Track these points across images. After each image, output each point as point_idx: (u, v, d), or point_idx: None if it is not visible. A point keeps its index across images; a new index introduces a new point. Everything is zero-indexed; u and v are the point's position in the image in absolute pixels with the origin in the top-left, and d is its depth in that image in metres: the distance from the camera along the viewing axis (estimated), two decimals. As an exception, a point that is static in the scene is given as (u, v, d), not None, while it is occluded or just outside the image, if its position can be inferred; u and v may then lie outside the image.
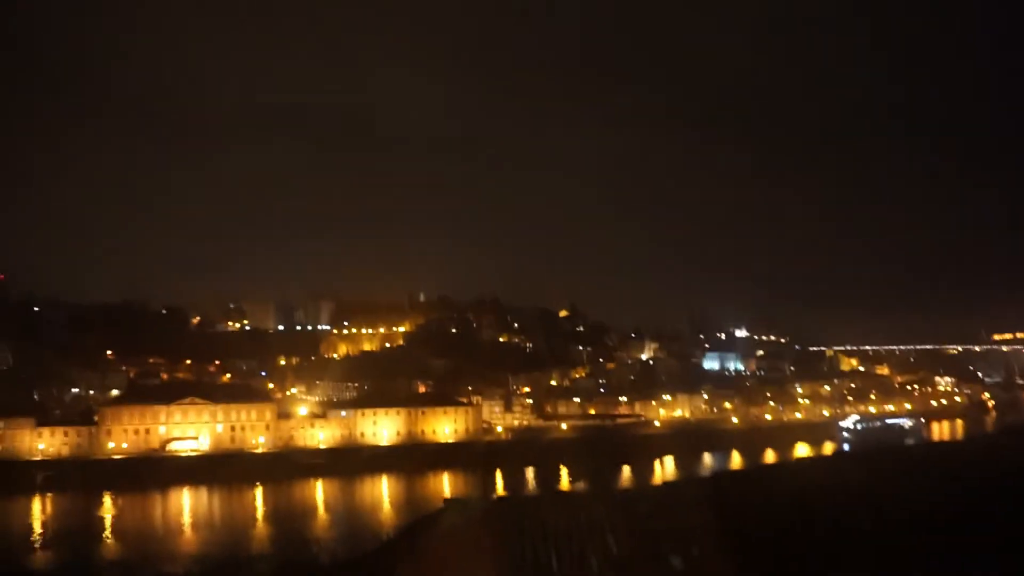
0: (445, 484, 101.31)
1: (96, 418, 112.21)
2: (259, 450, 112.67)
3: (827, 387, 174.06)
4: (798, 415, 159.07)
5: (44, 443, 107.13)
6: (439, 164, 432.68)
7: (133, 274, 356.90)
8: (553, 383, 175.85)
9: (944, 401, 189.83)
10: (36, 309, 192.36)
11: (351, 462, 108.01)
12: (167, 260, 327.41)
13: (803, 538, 28.26)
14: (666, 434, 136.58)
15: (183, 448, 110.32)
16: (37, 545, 69.13)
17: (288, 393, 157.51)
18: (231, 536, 72.73)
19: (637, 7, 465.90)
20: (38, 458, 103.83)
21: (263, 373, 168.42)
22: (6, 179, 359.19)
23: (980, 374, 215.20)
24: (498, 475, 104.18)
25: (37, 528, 76.86)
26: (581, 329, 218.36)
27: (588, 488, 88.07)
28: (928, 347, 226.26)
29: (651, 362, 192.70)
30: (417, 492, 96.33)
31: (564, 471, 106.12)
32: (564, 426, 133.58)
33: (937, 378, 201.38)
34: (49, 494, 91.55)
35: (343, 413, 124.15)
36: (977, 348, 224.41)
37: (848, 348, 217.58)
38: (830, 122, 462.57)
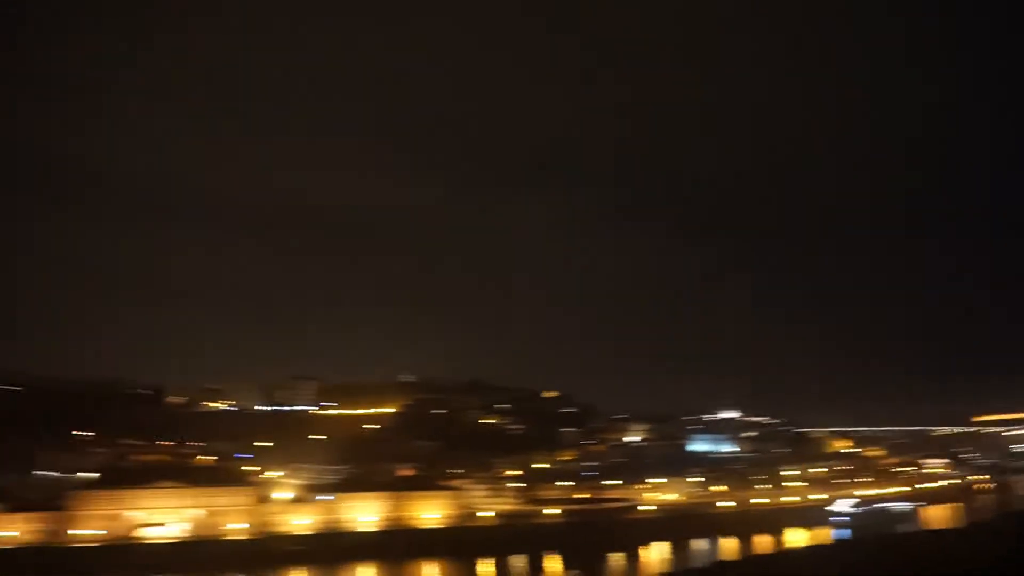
0: (431, 572, 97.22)
1: (65, 503, 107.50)
2: (238, 536, 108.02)
3: (820, 469, 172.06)
4: (791, 498, 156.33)
5: (9, 530, 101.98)
6: (421, 246, 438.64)
7: (108, 352, 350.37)
8: (539, 466, 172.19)
9: (936, 483, 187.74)
10: (10, 389, 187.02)
11: (334, 549, 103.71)
12: (143, 338, 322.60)
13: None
14: (656, 518, 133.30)
15: (155, 534, 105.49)
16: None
17: (269, 475, 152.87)
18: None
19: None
20: (4, 547, 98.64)
21: (244, 455, 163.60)
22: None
23: (967, 456, 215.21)
24: (486, 563, 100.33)
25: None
26: (568, 411, 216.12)
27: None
28: (916, 428, 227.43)
29: (640, 445, 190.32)
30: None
31: (553, 559, 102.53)
32: (553, 511, 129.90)
33: (928, 460, 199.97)
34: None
35: (325, 497, 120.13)
36: (959, 430, 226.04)
37: (841, 430, 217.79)
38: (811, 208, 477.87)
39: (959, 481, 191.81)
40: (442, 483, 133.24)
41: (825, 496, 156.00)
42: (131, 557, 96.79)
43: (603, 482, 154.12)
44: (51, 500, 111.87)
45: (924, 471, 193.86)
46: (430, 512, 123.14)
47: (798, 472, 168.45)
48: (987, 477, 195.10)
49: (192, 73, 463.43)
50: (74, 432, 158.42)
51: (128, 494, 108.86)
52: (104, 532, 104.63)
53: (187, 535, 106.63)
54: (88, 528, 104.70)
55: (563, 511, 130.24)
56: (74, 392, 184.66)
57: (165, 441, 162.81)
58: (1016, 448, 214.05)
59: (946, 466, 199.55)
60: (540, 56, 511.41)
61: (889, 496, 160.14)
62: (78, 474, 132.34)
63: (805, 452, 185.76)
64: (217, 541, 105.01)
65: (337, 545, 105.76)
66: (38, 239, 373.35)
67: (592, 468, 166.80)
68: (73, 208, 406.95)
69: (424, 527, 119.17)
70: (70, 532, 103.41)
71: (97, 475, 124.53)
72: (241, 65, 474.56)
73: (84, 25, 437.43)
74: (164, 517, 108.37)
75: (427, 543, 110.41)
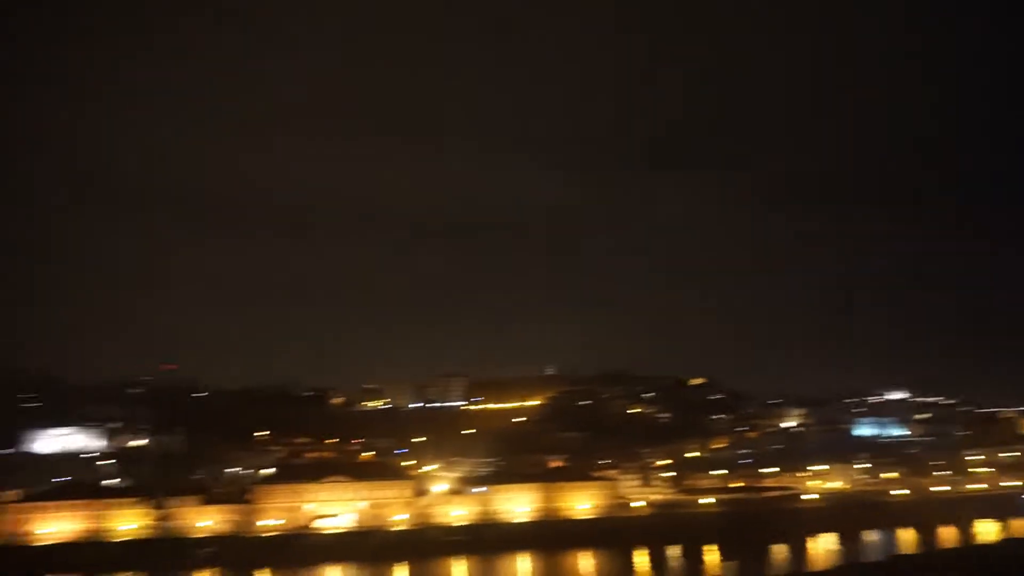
0: (586, 564, 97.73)
1: (250, 497, 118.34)
2: (399, 527, 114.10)
3: (1012, 453, 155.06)
4: (977, 485, 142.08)
5: (206, 520, 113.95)
6: (556, 239, 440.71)
7: (279, 358, 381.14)
8: (690, 455, 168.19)
9: None
10: (200, 395, 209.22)
11: (489, 539, 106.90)
12: (309, 345, 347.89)
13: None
14: (821, 508, 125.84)
15: (328, 525, 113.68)
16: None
17: (424, 470, 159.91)
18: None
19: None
20: (201, 535, 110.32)
21: (401, 450, 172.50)
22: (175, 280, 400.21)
23: None
24: (641, 554, 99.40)
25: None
26: (716, 397, 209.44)
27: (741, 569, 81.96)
28: None
29: (797, 430, 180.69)
30: (557, 571, 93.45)
31: (709, 550, 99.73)
32: (707, 500, 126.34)
33: None
34: (207, 570, 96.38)
35: (479, 490, 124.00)
36: None
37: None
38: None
39: None
40: (592, 473, 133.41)
41: (1019, 483, 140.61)
42: (309, 546, 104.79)
43: (760, 470, 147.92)
44: (238, 494, 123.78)
45: None
46: (581, 502, 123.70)
47: (984, 456, 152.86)
48: None
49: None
50: (253, 432, 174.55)
51: (302, 488, 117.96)
52: (283, 522, 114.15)
53: (355, 526, 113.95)
54: (270, 519, 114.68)
55: (718, 500, 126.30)
56: (250, 396, 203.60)
57: (331, 439, 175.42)
58: None
59: None
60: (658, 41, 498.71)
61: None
62: (259, 471, 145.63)
63: (991, 435, 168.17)
64: (381, 531, 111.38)
65: (492, 535, 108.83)
66: (202, 261, 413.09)
67: (747, 456, 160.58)
68: (235, 227, 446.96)
69: (576, 517, 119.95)
70: (255, 523, 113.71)
71: (274, 471, 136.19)
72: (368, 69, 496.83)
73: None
74: (335, 509, 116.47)
75: (580, 533, 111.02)
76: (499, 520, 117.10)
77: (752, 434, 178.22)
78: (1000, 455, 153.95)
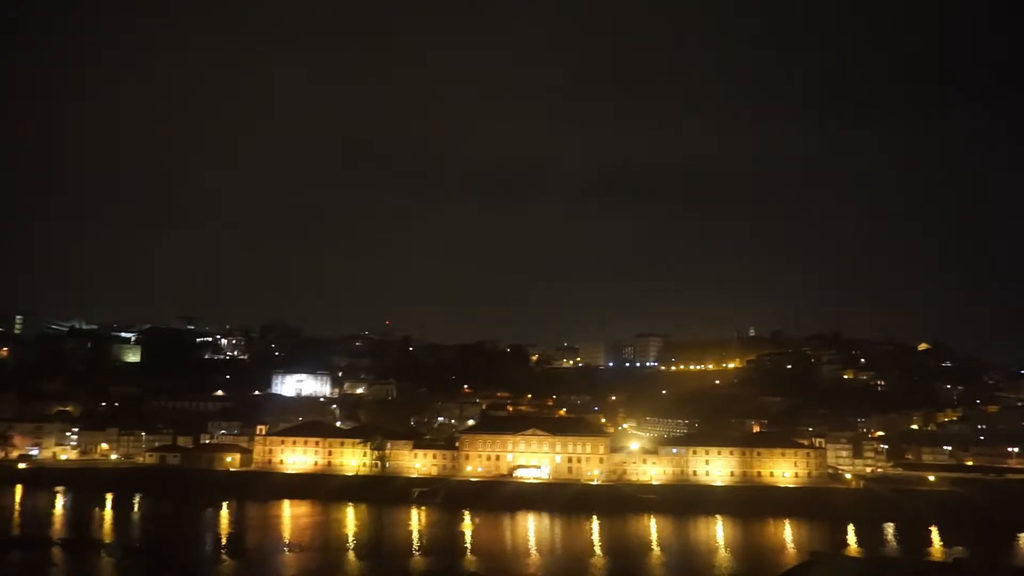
0: (787, 533, 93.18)
1: (457, 444, 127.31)
2: (594, 482, 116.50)
3: None
4: None
5: (418, 463, 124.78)
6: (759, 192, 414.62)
7: (479, 317, 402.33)
8: (914, 427, 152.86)
9: None
10: (411, 349, 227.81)
11: (683, 500, 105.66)
12: (509, 303, 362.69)
13: None
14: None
15: (527, 476, 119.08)
16: (418, 551, 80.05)
17: (619, 428, 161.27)
18: (571, 563, 75.72)
19: None
20: (414, 475, 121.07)
21: (595, 408, 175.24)
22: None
23: None
24: (849, 529, 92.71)
25: (416, 536, 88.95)
26: (948, 365, 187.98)
27: (973, 557, 73.22)
28: None
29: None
30: (756, 539, 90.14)
31: (935, 532, 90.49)
32: (931, 478, 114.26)
33: None
34: (422, 507, 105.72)
35: (674, 450, 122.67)
36: None
37: None
38: None
39: None
40: (798, 440, 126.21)
41: None
42: (509, 493, 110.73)
43: (1001, 447, 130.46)
44: (446, 441, 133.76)
45: None
46: (784, 470, 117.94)
47: None
48: None
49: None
50: (460, 385, 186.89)
51: (504, 439, 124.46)
52: (484, 470, 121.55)
53: (551, 478, 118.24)
54: (473, 466, 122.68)
55: (944, 478, 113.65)
56: (460, 353, 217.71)
57: (530, 395, 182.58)
58: None
59: None
60: None
61: None
62: (464, 422, 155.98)
63: None
64: (576, 484, 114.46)
65: (688, 496, 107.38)
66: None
67: (984, 431, 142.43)
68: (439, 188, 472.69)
69: (778, 485, 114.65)
70: (461, 468, 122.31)
71: (478, 422, 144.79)
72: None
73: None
74: (532, 460, 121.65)
75: (780, 502, 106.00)
76: (694, 482, 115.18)
77: (991, 408, 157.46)
78: None
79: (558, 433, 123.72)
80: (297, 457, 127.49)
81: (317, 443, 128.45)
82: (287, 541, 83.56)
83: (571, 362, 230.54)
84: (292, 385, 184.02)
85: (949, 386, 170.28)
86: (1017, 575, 72.48)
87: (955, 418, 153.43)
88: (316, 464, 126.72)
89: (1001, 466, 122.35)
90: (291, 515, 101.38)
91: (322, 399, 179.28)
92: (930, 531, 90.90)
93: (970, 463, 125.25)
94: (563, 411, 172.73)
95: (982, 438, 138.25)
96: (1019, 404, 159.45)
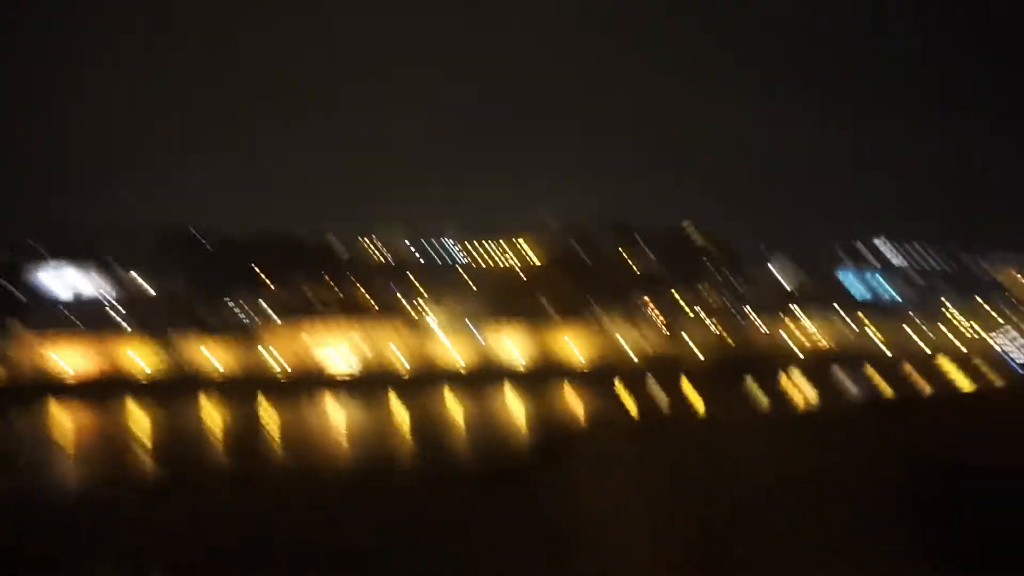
0: (579, 406, 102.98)
1: (254, 337, 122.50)
2: (400, 368, 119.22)
3: (990, 305, 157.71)
4: (956, 339, 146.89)
5: (213, 358, 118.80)
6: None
7: (280, 206, 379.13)
8: (681, 303, 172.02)
9: None
10: (201, 240, 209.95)
11: (486, 377, 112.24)
12: (311, 192, 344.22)
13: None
14: (804, 360, 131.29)
15: (330, 364, 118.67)
16: (218, 447, 77.20)
17: (423, 317, 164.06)
18: (379, 448, 77.68)
19: None
20: (209, 372, 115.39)
21: (401, 296, 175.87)
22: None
23: None
24: (630, 398, 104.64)
25: (215, 433, 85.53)
26: (708, 247, 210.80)
27: (735, 414, 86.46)
28: None
29: (785, 280, 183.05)
30: (550, 410, 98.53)
31: (696, 395, 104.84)
32: (695, 346, 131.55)
33: None
34: (219, 402, 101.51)
35: (476, 335, 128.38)
36: None
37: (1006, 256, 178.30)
38: None
39: None
40: (589, 320, 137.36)
41: (994, 337, 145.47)
42: (312, 383, 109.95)
43: (748, 318, 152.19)
44: (243, 334, 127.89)
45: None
46: (576, 348, 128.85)
47: (965, 309, 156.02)
48: None
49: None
50: (257, 277, 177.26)
51: (304, 328, 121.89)
52: (286, 362, 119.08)
53: (357, 367, 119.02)
54: (274, 358, 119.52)
55: (707, 346, 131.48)
56: (254, 241, 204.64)
57: (332, 284, 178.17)
58: None
59: None
60: None
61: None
62: (263, 313, 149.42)
63: (969, 284, 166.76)
64: (383, 372, 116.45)
65: (489, 375, 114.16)
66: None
67: (737, 304, 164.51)
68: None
69: (573, 361, 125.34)
70: (261, 361, 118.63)
71: (277, 313, 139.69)
72: None
73: None
74: (336, 350, 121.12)
75: (575, 374, 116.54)
76: (497, 362, 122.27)
77: (742, 286, 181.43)
78: (980, 307, 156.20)
79: (363, 320, 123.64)
80: (70, 360, 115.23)
81: (94, 341, 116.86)
82: (65, 451, 76.55)
83: (375, 252, 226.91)
84: (61, 278, 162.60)
85: (709, 264, 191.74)
86: (752, 416, 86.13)
87: (715, 293, 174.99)
88: (91, 366, 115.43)
89: (749, 333, 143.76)
90: (69, 423, 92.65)
91: (102, 294, 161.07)
92: (695, 388, 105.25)
93: (724, 334, 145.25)
94: (366, 298, 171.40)
95: (735, 312, 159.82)
96: (761, 282, 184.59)
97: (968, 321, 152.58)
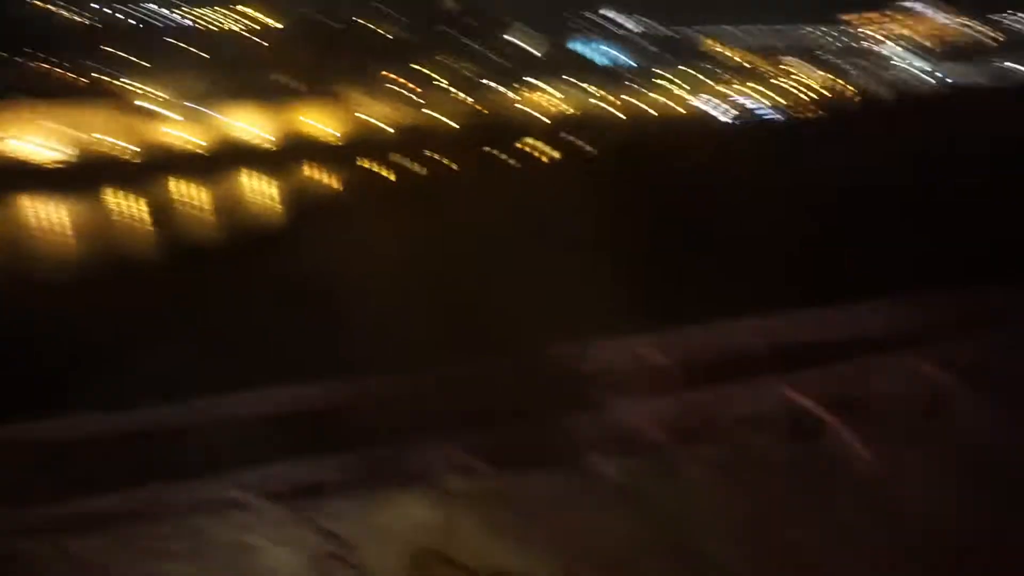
0: (330, 176, 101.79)
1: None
2: (118, 154, 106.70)
3: (699, 73, 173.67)
4: (674, 104, 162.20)
5: None
6: None
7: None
8: (429, 72, 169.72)
9: (803, 89, 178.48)
10: None
11: (222, 161, 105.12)
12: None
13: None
14: (546, 125, 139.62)
15: (33, 154, 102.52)
16: None
17: (144, 93, 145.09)
18: (107, 239, 71.71)
19: None
20: None
21: (114, 71, 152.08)
22: None
23: (837, 60, 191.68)
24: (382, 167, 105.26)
25: None
26: (455, 13, 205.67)
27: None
28: (779, 27, 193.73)
29: (527, 48, 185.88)
30: (301, 185, 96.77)
31: (450, 161, 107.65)
32: (443, 116, 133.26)
33: (793, 63, 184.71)
34: None
35: (209, 112, 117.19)
36: (825, 29, 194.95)
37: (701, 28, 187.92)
38: None
39: (827, 87, 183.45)
40: (330, 93, 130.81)
41: (706, 101, 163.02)
42: (12, 173, 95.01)
43: (496, 88, 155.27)
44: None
45: (793, 77, 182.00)
46: (323, 124, 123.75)
47: (679, 77, 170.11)
48: (857, 84, 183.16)
49: None
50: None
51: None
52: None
53: (69, 156, 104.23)
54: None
55: (453, 115, 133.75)
56: None
57: (21, 56, 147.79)
58: (885, 51, 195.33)
59: (814, 71, 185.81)
60: None
61: (760, 103, 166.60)
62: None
63: (679, 53, 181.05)
64: (98, 159, 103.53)
65: (225, 157, 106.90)
66: None
67: (482, 73, 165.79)
68: None
69: (318, 138, 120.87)
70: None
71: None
72: None
73: None
74: (39, 137, 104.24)
75: (320, 152, 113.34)
76: (234, 143, 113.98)
77: (491, 53, 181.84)
78: (692, 75, 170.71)
79: (67, 102, 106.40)
80: None
81: None
82: None
83: (77, 15, 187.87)
84: None
85: (458, 34, 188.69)
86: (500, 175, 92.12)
87: (462, 62, 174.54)
88: None
89: (485, 104, 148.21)
90: None
91: None
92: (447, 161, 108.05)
93: (471, 101, 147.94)
94: (71, 75, 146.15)
95: (483, 80, 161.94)
96: (508, 50, 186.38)
97: (682, 88, 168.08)
